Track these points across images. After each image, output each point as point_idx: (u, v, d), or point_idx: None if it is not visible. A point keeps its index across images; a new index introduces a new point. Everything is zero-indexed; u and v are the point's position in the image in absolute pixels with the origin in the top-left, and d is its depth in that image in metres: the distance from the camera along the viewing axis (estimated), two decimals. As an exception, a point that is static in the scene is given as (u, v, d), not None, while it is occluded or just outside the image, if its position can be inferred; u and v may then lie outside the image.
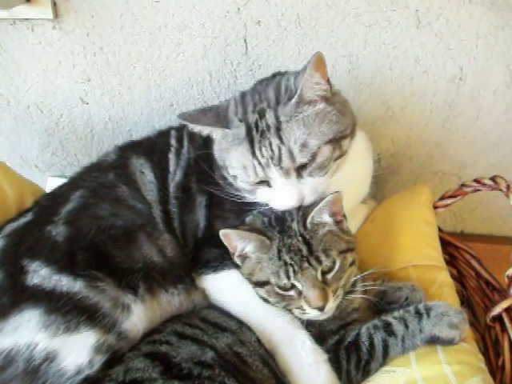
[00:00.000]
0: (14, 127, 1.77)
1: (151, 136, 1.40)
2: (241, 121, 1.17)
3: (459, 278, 1.43)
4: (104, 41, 1.57)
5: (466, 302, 1.38)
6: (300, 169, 1.13)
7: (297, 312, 1.11)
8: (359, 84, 1.59)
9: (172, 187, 1.27)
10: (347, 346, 1.09)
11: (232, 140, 1.16)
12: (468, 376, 0.97)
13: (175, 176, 1.29)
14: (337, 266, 1.10)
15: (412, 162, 1.77)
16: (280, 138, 1.11)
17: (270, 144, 1.11)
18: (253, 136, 1.13)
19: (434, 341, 1.05)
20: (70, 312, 1.01)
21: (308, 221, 1.12)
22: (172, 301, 1.18)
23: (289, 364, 1.08)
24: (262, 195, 1.18)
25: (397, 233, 1.37)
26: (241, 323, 1.13)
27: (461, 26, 1.47)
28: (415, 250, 1.32)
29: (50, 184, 1.78)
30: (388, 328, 1.08)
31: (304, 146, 1.10)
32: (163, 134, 1.39)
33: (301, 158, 1.11)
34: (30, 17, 1.52)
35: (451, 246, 1.44)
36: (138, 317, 1.09)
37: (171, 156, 1.32)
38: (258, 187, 1.17)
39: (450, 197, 1.43)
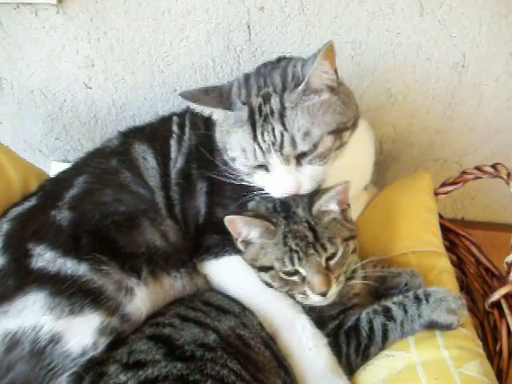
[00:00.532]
0: (17, 112, 1.77)
1: (153, 122, 1.41)
2: (244, 103, 1.17)
3: (459, 265, 1.44)
4: (108, 26, 1.57)
5: (465, 288, 1.40)
6: (300, 157, 1.13)
7: (299, 297, 1.13)
8: (362, 71, 1.59)
9: (173, 174, 1.28)
10: (347, 330, 1.11)
11: (234, 122, 1.17)
12: (466, 360, 0.99)
13: (176, 163, 1.30)
14: (340, 253, 1.12)
15: (413, 149, 1.78)
16: (283, 125, 1.11)
17: (273, 129, 1.11)
18: (255, 120, 1.14)
19: (432, 326, 1.07)
20: (74, 295, 1.03)
21: (314, 208, 1.13)
22: (175, 284, 1.20)
23: (289, 348, 1.09)
24: (259, 179, 1.19)
25: (397, 219, 1.38)
26: (243, 306, 1.15)
27: (464, 13, 1.47)
28: (416, 236, 1.33)
29: (54, 168, 1.80)
30: (387, 313, 1.09)
31: (307, 134, 1.11)
32: (165, 120, 1.39)
33: (302, 146, 1.11)
34: (34, 1, 1.51)
35: (451, 233, 1.46)
36: (141, 300, 1.11)
37: (173, 142, 1.32)
38: (256, 171, 1.18)
39: (451, 184, 1.44)
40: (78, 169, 1.30)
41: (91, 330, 1.01)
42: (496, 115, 1.67)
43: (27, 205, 1.21)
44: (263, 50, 1.58)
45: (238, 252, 1.20)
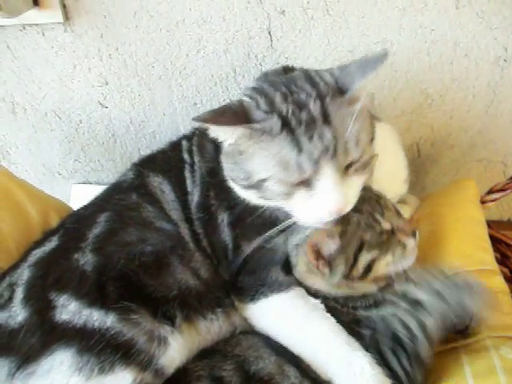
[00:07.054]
0: (33, 135, 1.71)
1: (165, 148, 1.29)
2: (268, 113, 0.99)
3: (512, 279, 1.34)
4: (119, 41, 1.49)
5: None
6: (348, 166, 0.98)
7: None
8: (395, 72, 1.48)
9: (193, 208, 1.17)
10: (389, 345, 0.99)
11: (260, 135, 0.98)
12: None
13: (194, 196, 1.18)
14: None
15: (454, 151, 1.67)
16: (333, 130, 0.95)
17: (322, 135, 0.94)
18: (293, 127, 0.96)
19: None
20: (103, 351, 0.95)
21: None
22: (211, 328, 1.11)
23: None
24: (299, 200, 1.01)
25: (444, 236, 1.27)
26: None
27: (505, 3, 1.35)
28: (465, 255, 1.22)
29: (75, 191, 1.75)
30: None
31: (358, 140, 0.96)
32: (176, 146, 1.27)
33: (355, 154, 0.96)
34: (40, 21, 1.44)
35: (502, 244, 1.35)
36: (175, 350, 1.02)
37: (187, 174, 1.20)
38: (295, 190, 1.00)
39: (499, 191, 1.34)
40: (98, 206, 1.21)
41: None
42: (542, 110, 1.54)
43: (48, 247, 1.12)
44: (286, 57, 1.48)
45: (276, 291, 1.10)
